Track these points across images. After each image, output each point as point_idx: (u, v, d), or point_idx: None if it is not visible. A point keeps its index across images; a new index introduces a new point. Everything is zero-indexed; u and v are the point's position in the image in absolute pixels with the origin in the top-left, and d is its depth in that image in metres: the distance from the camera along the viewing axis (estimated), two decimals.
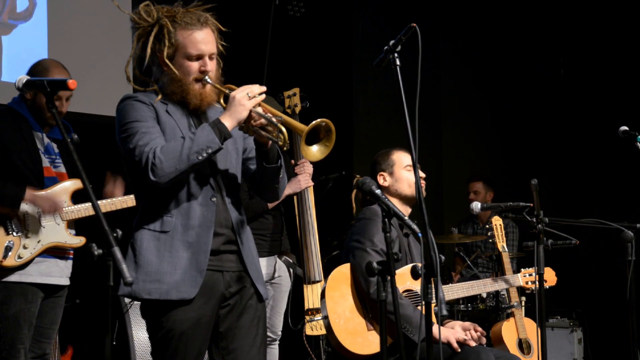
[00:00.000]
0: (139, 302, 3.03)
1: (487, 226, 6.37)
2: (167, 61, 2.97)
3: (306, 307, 4.69)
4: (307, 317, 4.66)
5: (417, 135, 2.88)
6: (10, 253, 3.79)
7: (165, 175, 2.85)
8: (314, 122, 2.84)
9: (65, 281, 4.00)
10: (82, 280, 4.36)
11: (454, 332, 3.79)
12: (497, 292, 5.30)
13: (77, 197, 4.01)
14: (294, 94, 4.92)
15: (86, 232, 4.00)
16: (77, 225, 4.04)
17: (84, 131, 4.27)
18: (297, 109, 4.88)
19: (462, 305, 5.54)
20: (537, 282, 4.12)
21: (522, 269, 4.75)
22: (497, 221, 5.20)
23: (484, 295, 5.51)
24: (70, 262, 4.02)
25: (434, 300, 2.84)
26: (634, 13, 7.75)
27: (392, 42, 2.95)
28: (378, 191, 3.08)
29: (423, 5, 8.15)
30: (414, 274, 2.90)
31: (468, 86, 8.65)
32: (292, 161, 4.78)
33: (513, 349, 4.88)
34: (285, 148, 2.93)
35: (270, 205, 4.57)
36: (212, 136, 2.87)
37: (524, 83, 8.46)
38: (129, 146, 2.91)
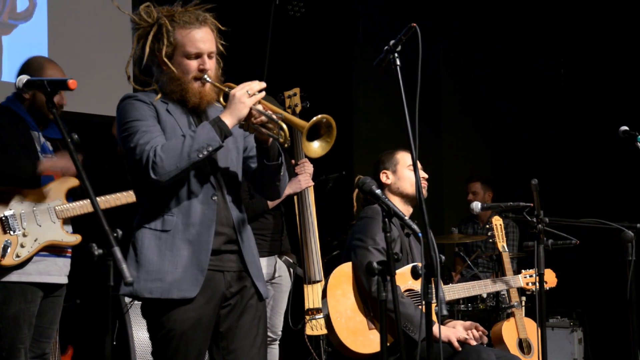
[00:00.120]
0: (139, 302, 3.03)
1: (488, 226, 6.38)
2: (166, 60, 2.97)
3: (306, 307, 4.69)
4: (307, 317, 4.66)
5: (417, 135, 2.88)
6: (8, 252, 3.79)
7: (166, 173, 2.85)
8: (314, 118, 2.84)
9: (64, 280, 4.00)
10: (82, 280, 4.35)
11: (455, 331, 3.79)
12: (498, 292, 5.30)
13: (75, 195, 4.01)
14: (295, 94, 4.92)
15: (86, 232, 3.99)
16: (78, 225, 4.04)
17: (84, 131, 4.27)
18: (298, 109, 4.88)
19: (463, 305, 5.53)
20: (537, 282, 4.12)
21: (523, 270, 4.75)
22: (497, 221, 5.20)
23: (484, 295, 5.50)
24: (68, 261, 4.02)
25: (434, 300, 2.84)
26: (634, 13, 7.75)
27: (392, 42, 2.95)
28: (378, 191, 3.08)
29: (423, 5, 8.14)
30: (414, 274, 2.90)
31: (468, 86, 8.64)
32: (293, 161, 4.78)
33: (513, 349, 4.87)
34: (286, 145, 2.92)
35: (270, 205, 4.57)
36: (213, 134, 2.86)
37: (524, 83, 8.46)
38: (129, 145, 2.91)
